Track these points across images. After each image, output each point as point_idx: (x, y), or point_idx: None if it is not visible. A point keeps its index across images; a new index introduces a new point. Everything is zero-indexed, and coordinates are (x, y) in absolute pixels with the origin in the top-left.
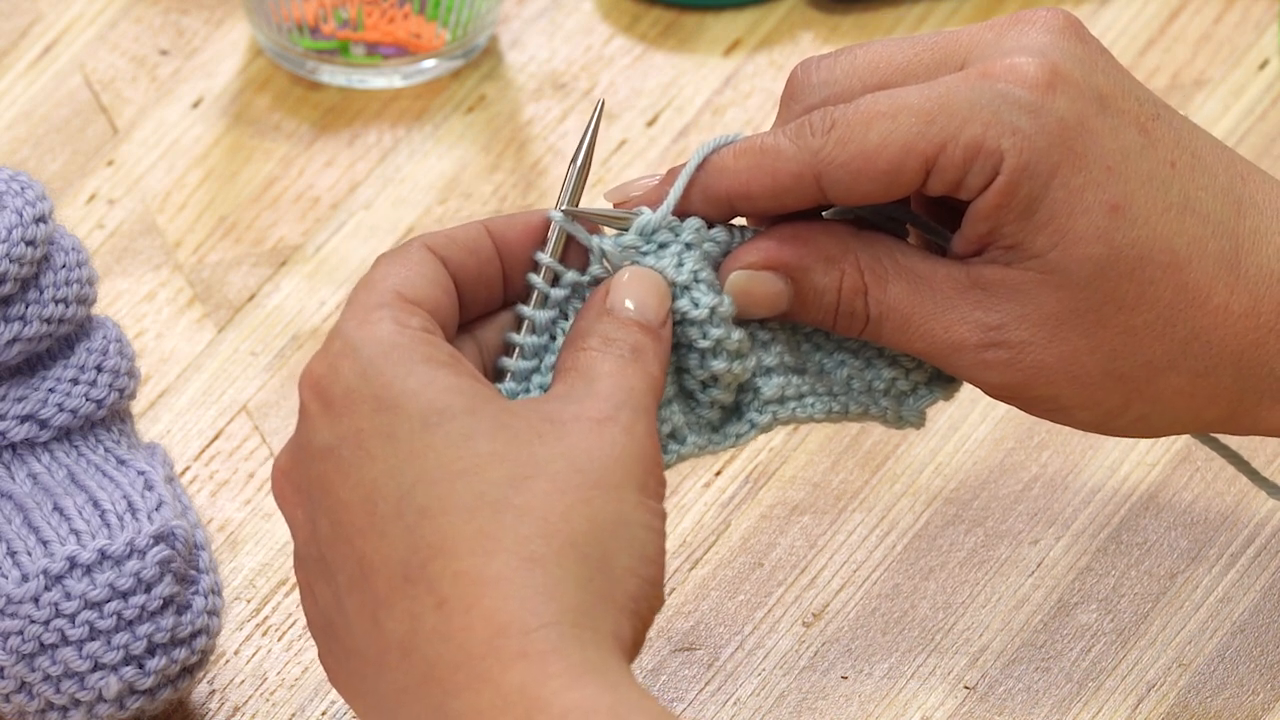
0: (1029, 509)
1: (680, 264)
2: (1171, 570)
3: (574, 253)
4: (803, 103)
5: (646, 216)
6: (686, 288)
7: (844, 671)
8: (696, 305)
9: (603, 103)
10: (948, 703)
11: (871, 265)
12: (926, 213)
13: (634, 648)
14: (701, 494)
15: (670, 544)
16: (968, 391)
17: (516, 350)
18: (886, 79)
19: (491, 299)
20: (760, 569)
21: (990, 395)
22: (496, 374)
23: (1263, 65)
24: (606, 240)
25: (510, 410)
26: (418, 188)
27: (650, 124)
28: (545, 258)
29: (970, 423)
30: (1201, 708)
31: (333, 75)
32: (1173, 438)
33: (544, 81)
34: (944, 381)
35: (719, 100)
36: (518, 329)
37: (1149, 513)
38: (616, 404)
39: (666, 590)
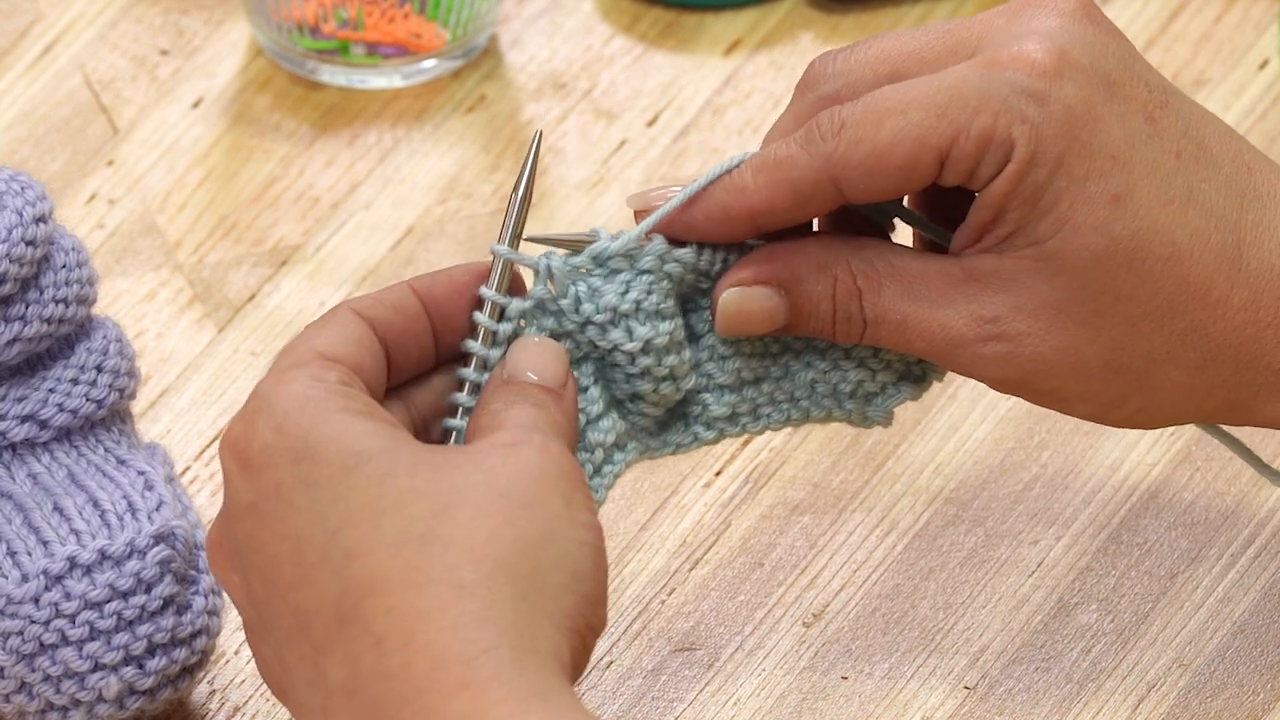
0: (1029, 509)
1: (625, 291)
2: (1171, 570)
3: (517, 285)
4: (817, 91)
5: (604, 243)
6: (626, 316)
7: (844, 671)
8: (630, 337)
9: (540, 134)
10: (948, 703)
11: (863, 269)
12: (923, 209)
13: (575, 669)
14: (701, 494)
15: (670, 544)
16: (968, 391)
17: (467, 386)
18: (899, 68)
19: (423, 358)
20: (760, 569)
21: (994, 389)
22: (443, 436)
23: (1263, 65)
24: (554, 258)
25: (427, 449)
26: (418, 188)
27: (650, 124)
28: (490, 293)
29: (970, 423)
30: (1201, 708)
31: (333, 75)
32: (1173, 436)
33: (544, 81)
34: (913, 380)
35: (719, 100)
36: (460, 389)
37: (1149, 513)
38: (528, 428)
39: (667, 590)
